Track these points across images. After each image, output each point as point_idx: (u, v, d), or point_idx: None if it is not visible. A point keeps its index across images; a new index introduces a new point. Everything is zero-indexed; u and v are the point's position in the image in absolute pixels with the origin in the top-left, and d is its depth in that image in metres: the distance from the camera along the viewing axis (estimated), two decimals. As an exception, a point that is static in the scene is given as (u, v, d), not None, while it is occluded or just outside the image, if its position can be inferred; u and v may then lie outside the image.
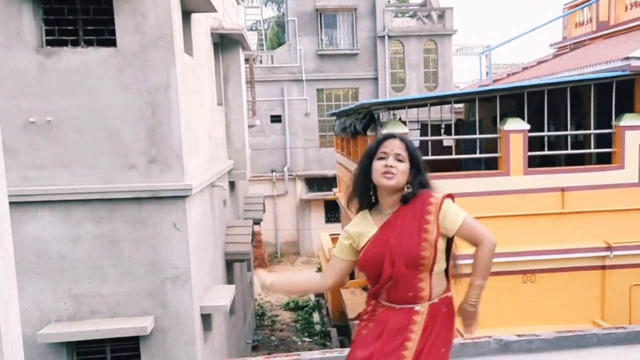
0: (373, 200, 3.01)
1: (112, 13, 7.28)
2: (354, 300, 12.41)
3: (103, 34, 7.43)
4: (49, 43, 7.37)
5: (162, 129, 7.46)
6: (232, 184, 13.24)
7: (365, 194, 3.00)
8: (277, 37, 30.53)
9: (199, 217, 8.69)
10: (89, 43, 7.44)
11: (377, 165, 2.90)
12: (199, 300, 8.26)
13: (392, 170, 2.86)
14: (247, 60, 16.86)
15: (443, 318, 2.91)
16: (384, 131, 9.87)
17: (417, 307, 2.88)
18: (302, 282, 3.31)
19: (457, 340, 4.52)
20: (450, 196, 2.95)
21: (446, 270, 2.98)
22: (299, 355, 4.22)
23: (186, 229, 7.74)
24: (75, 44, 7.42)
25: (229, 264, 11.96)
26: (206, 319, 8.63)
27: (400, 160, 2.89)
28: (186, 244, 7.76)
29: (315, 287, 3.41)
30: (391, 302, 2.92)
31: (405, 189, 2.89)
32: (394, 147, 2.92)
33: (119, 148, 7.45)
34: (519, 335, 4.54)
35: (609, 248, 9.70)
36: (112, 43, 7.34)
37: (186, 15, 8.58)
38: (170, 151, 7.51)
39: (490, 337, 4.54)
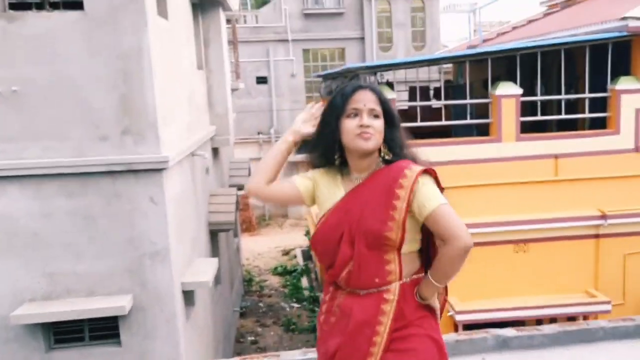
0: (337, 163, 2.56)
1: (78, -26, 6.76)
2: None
3: (70, -4, 6.92)
4: (12, 7, 6.85)
5: (135, 97, 7.01)
6: (215, 151, 12.84)
7: (329, 156, 2.55)
8: (262, -5, 29.80)
9: (179, 189, 8.31)
10: (54, 6, 6.92)
11: (350, 125, 2.43)
12: (179, 276, 7.94)
13: (370, 130, 2.40)
14: (229, 21, 16.26)
15: (415, 300, 2.49)
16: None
17: (385, 295, 2.45)
18: (268, 161, 2.70)
19: (451, 336, 4.21)
20: (429, 171, 2.44)
21: (420, 251, 2.55)
22: (279, 355, 3.91)
23: (164, 202, 7.36)
24: (40, 7, 6.90)
25: (214, 234, 11.65)
26: (188, 294, 8.33)
27: (376, 116, 2.44)
28: (164, 219, 7.39)
29: (261, 177, 2.69)
30: (354, 287, 2.50)
31: (382, 149, 2.46)
32: (367, 101, 2.44)
33: (90, 118, 7.01)
34: (518, 330, 4.22)
35: (603, 216, 9.44)
36: (79, 6, 6.82)
37: (160, -25, 8.06)
38: (145, 121, 7.08)
39: (487, 332, 4.22)
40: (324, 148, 2.54)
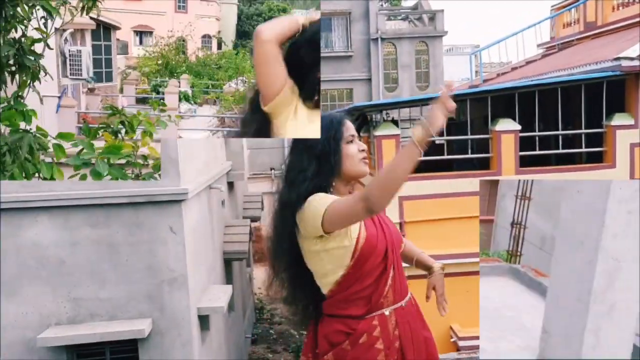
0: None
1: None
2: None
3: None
4: None
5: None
6: (230, 184, 13.31)
7: (324, 182, 2.43)
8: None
9: (196, 220, 8.77)
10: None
11: (353, 150, 2.42)
12: (196, 302, 8.33)
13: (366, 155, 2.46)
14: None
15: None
16: (378, 133, 9.97)
17: (413, 300, 2.58)
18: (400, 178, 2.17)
19: (451, 355, 4.54)
20: None
21: None
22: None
23: (182, 232, 7.81)
24: None
25: (228, 263, 12.03)
26: (204, 319, 8.69)
27: None
28: (182, 247, 7.83)
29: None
30: (397, 300, 2.46)
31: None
32: (354, 130, 2.48)
33: (116, 154, 7.51)
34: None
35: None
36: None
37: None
38: (167, 157, 7.60)
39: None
40: (327, 173, 2.44)
